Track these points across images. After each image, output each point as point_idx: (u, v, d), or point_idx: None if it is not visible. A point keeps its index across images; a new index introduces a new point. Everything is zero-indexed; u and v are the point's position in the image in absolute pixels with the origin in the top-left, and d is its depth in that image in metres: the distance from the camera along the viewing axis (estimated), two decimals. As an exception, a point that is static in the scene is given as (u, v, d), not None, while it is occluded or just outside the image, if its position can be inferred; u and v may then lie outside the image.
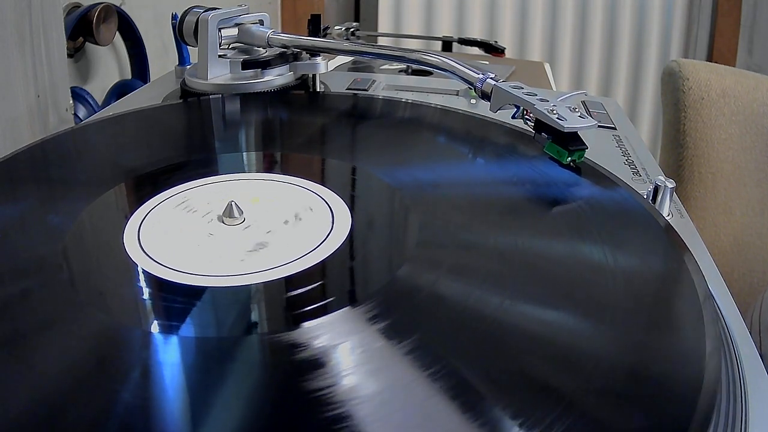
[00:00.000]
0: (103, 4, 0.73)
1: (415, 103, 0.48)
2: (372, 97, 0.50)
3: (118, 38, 0.81)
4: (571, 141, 0.36)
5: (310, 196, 0.33)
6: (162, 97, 0.52)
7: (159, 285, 0.26)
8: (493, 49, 0.96)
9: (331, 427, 0.19)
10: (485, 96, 0.42)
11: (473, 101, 0.52)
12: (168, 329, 0.24)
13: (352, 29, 0.90)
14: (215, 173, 0.36)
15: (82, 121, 0.64)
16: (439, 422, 0.20)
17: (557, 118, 0.36)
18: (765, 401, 0.23)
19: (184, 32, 0.51)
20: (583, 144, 0.36)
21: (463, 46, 1.02)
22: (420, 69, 0.51)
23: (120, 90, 0.81)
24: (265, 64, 0.48)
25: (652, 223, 0.31)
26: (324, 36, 0.83)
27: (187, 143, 0.42)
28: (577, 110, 0.37)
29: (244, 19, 0.51)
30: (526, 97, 0.39)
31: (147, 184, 0.35)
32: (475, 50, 0.99)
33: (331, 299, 0.25)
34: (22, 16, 0.52)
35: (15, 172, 0.37)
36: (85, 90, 0.74)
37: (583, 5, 1.56)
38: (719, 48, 1.53)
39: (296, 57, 0.50)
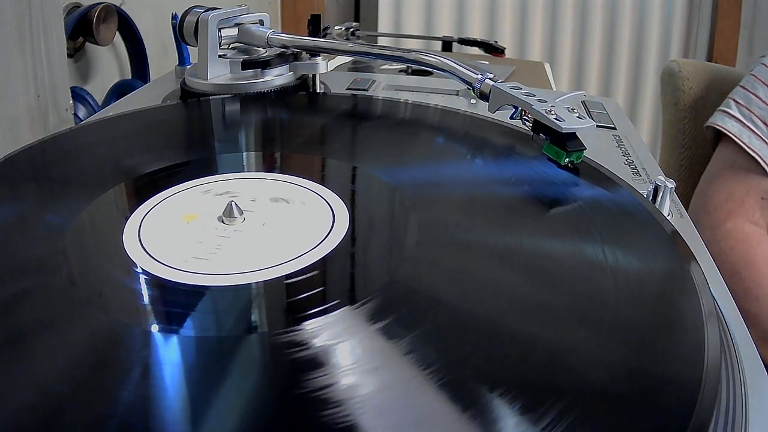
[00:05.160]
0: (103, 4, 0.73)
1: (415, 104, 0.48)
2: (372, 98, 0.50)
3: (118, 38, 0.81)
4: (569, 142, 0.36)
5: (310, 196, 0.33)
6: (162, 97, 0.52)
7: (158, 284, 0.26)
8: (493, 49, 0.96)
9: (330, 426, 0.19)
10: (484, 96, 0.42)
11: (473, 101, 0.52)
12: (168, 328, 0.24)
13: (352, 29, 0.90)
14: (215, 173, 0.36)
15: (82, 121, 0.64)
16: (439, 421, 0.20)
17: (555, 118, 0.36)
18: (765, 401, 0.23)
19: (185, 32, 0.51)
20: (582, 145, 0.36)
21: (463, 46, 1.02)
22: (420, 69, 0.51)
23: (120, 90, 0.81)
24: (265, 64, 0.48)
25: (654, 223, 0.31)
26: (324, 36, 0.83)
27: (187, 143, 0.42)
28: (575, 111, 0.37)
29: (244, 19, 0.51)
30: (525, 98, 0.39)
31: (147, 184, 0.35)
32: (475, 50, 0.99)
33: (331, 298, 0.25)
34: (22, 16, 0.52)
35: (15, 172, 0.37)
36: (85, 90, 0.74)
37: (583, 5, 1.56)
38: (719, 48, 1.53)
39: (296, 57, 0.50)
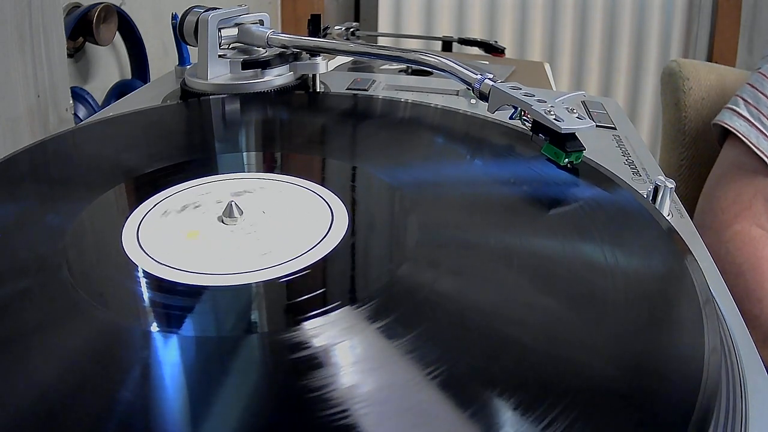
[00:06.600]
0: (103, 4, 0.73)
1: (415, 103, 0.48)
2: (372, 97, 0.50)
3: (118, 38, 0.81)
4: (569, 142, 0.36)
5: (310, 196, 0.33)
6: (162, 97, 0.52)
7: (158, 284, 0.26)
8: (493, 49, 0.96)
9: (330, 426, 0.19)
10: (483, 96, 0.42)
11: (473, 101, 0.52)
12: (167, 328, 0.24)
13: (352, 29, 0.90)
14: (215, 173, 0.36)
15: (82, 121, 0.64)
16: (439, 421, 0.20)
17: (554, 119, 0.36)
18: (765, 401, 0.23)
19: (185, 32, 0.51)
20: (581, 145, 0.36)
21: (463, 46, 1.02)
22: (420, 69, 0.51)
23: (120, 90, 0.81)
24: (265, 64, 0.48)
25: (653, 223, 0.31)
26: (324, 36, 0.83)
27: (187, 143, 0.42)
28: (574, 111, 0.37)
29: (244, 19, 0.51)
30: (524, 98, 0.39)
31: (147, 184, 0.35)
32: (475, 50, 0.99)
33: (331, 298, 0.25)
34: (22, 16, 0.52)
35: (15, 172, 0.37)
36: (85, 90, 0.74)
37: (583, 5, 1.56)
38: (719, 48, 1.53)
39: (296, 57, 0.50)
